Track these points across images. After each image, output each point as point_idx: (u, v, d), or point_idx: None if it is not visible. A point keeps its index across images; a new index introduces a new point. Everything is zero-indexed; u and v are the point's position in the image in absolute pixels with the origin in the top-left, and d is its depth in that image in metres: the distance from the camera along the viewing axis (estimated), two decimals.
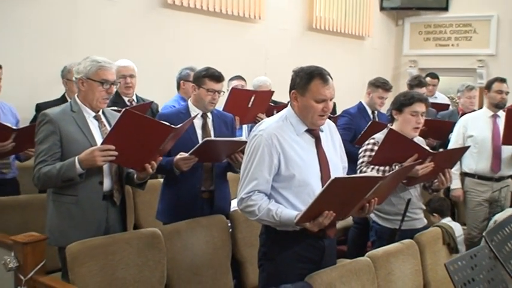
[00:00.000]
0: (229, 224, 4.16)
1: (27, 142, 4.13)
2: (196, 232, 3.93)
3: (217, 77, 4.05)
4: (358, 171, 4.05)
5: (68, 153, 3.32)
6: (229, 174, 4.29)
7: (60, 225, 3.41)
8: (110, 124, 3.51)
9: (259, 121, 4.31)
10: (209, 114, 4.14)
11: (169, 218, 4.02)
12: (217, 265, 4.02)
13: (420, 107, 3.99)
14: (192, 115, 4.00)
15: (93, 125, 3.48)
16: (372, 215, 4.18)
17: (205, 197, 4.08)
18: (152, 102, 5.27)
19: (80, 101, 3.48)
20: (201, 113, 4.08)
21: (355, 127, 5.59)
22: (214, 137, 4.06)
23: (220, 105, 5.15)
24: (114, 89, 3.56)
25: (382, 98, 5.74)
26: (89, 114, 3.48)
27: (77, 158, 3.24)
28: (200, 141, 3.93)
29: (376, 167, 3.94)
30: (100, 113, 3.54)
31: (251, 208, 3.01)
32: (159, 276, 3.60)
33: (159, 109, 5.26)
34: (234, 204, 4.41)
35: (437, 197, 5.39)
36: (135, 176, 3.53)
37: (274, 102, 6.03)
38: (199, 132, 4.04)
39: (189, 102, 4.14)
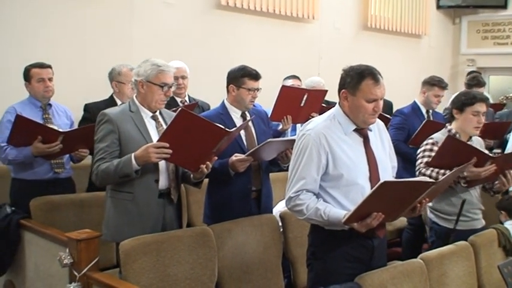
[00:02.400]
0: (280, 224, 4.15)
1: (77, 143, 4.25)
2: (247, 231, 3.95)
3: (256, 75, 4.04)
4: (417, 172, 4.03)
5: (125, 152, 3.42)
6: (272, 175, 4.29)
7: (116, 221, 3.51)
8: (166, 124, 3.59)
9: None
10: (247, 113, 4.12)
11: (218, 221, 3.95)
12: (268, 264, 4.03)
13: (482, 107, 4.01)
14: (232, 115, 4.04)
15: (151, 125, 3.58)
16: (432, 216, 4.16)
17: (253, 197, 4.07)
18: (198, 102, 5.27)
19: (139, 102, 3.58)
20: (240, 112, 4.08)
21: (408, 127, 5.53)
22: (256, 134, 4.08)
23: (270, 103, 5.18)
24: (172, 91, 3.64)
25: (438, 96, 5.65)
26: (147, 114, 3.58)
27: (133, 154, 3.34)
28: (244, 141, 3.98)
29: (436, 170, 3.92)
30: (157, 113, 3.63)
31: (299, 207, 3.00)
32: (210, 274, 3.64)
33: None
34: (277, 209, 4.42)
35: (509, 196, 5.26)
36: (191, 175, 3.59)
37: (327, 102, 5.96)
38: (242, 132, 4.01)
39: (227, 103, 4.11)
